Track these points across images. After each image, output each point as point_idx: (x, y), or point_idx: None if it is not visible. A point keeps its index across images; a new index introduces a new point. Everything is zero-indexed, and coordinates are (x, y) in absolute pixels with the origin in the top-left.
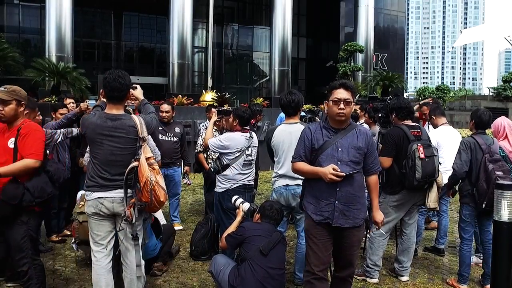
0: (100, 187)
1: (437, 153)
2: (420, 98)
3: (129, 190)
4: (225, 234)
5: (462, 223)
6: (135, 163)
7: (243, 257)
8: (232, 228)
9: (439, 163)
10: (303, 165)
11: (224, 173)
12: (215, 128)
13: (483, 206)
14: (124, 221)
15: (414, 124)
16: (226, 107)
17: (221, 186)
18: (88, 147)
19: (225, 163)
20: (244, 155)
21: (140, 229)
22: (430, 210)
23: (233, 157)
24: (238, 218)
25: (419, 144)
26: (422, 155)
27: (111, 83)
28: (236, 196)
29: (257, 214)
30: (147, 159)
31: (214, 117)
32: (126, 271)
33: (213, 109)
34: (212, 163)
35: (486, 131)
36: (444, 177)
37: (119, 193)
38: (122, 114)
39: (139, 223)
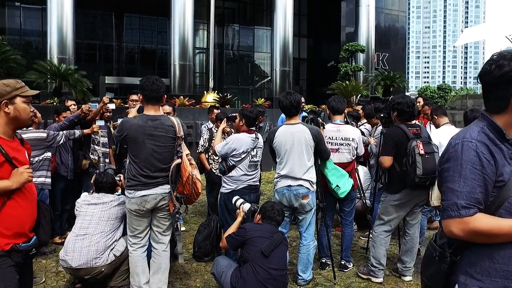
0: (143, 185)
1: (438, 150)
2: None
3: (168, 186)
4: (226, 234)
5: None
6: (179, 160)
7: (245, 258)
8: (233, 228)
9: None
10: (495, 221)
11: (230, 174)
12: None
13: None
14: (168, 212)
15: (413, 123)
16: (227, 107)
17: (226, 187)
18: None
19: (230, 164)
20: (250, 156)
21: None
22: (434, 208)
23: (239, 158)
24: (239, 219)
25: (418, 141)
26: (422, 151)
27: (150, 86)
28: (236, 197)
29: (258, 215)
30: (186, 155)
31: (223, 124)
32: (155, 258)
33: (220, 114)
34: (216, 164)
35: None
36: None
37: (161, 189)
38: (160, 115)
39: (177, 215)
